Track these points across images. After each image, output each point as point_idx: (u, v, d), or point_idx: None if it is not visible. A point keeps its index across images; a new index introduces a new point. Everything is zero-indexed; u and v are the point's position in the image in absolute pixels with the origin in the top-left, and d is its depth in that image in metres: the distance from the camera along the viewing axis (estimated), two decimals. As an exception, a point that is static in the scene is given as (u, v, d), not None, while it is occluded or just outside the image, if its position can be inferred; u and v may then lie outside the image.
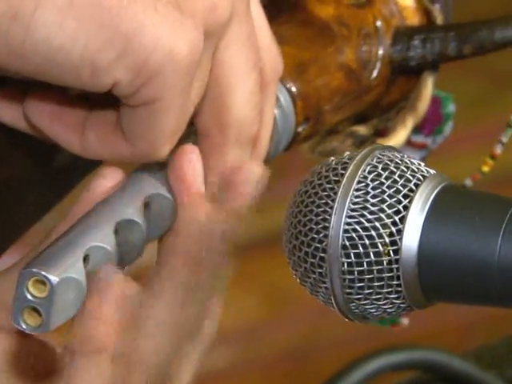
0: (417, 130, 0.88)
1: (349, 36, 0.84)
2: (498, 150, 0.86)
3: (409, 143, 0.88)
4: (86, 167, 0.82)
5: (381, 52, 0.85)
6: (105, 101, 0.72)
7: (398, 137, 0.86)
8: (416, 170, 0.72)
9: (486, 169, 0.87)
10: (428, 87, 0.86)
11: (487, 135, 0.86)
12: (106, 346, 0.73)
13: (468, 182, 0.87)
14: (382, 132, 0.87)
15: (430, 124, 0.89)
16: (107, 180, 0.74)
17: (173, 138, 0.71)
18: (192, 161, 0.73)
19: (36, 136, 0.76)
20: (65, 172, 0.83)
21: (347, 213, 0.71)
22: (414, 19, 0.87)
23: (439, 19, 0.86)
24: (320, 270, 0.72)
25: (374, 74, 0.85)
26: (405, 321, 0.83)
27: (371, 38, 0.85)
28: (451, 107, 0.89)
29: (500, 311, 0.78)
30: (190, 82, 0.70)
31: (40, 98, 0.73)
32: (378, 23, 0.85)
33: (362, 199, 0.71)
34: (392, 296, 0.72)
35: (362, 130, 0.87)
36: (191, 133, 0.74)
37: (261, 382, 3.07)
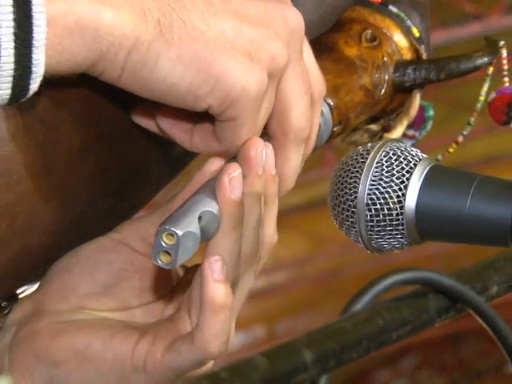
0: (409, 126, 0.98)
1: (366, 67, 0.93)
2: (460, 138, 0.96)
3: (404, 135, 0.98)
4: (190, 156, 0.89)
5: (387, 77, 0.94)
6: (205, 116, 0.79)
7: (397, 131, 0.97)
8: (414, 154, 0.85)
9: (451, 150, 0.96)
10: (417, 99, 0.96)
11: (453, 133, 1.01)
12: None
13: (439, 157, 0.94)
14: (387, 128, 0.97)
15: (417, 122, 0.99)
16: (213, 165, 0.81)
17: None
18: (257, 146, 0.79)
19: (162, 135, 0.82)
20: (179, 158, 0.89)
21: (369, 182, 0.85)
22: (408, 55, 0.96)
23: (424, 55, 0.96)
24: (352, 220, 0.85)
25: (382, 92, 0.95)
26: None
27: (380, 68, 0.94)
28: (431, 112, 0.99)
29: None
30: (258, 106, 0.77)
31: (166, 111, 0.80)
32: (385, 58, 0.94)
33: (379, 173, 0.85)
34: (398, 236, 0.85)
35: (374, 127, 0.97)
36: (265, 135, 0.81)
37: (307, 293, 3.37)
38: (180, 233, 0.76)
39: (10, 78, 0.69)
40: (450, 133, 1.09)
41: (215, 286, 0.78)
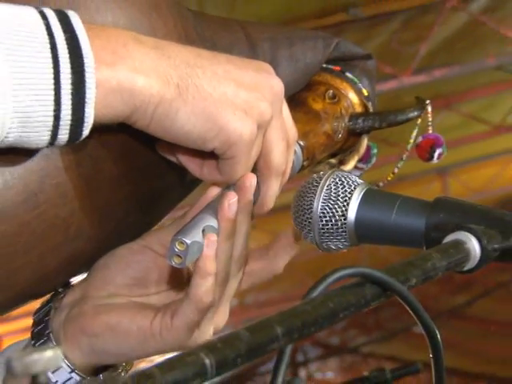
0: (359, 160, 0.97)
1: (328, 118, 0.92)
2: (396, 170, 0.96)
3: (355, 167, 0.97)
4: (198, 183, 0.88)
5: (343, 125, 0.93)
6: (212, 154, 0.77)
7: (350, 164, 0.96)
8: (354, 180, 0.85)
9: (389, 178, 0.96)
10: (365, 141, 0.96)
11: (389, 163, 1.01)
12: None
13: (381, 184, 0.95)
14: (343, 162, 0.97)
15: (365, 158, 0.98)
16: (213, 192, 0.80)
17: (244, 173, 0.78)
18: (251, 180, 0.78)
19: (180, 165, 0.81)
20: (190, 184, 0.88)
21: (321, 201, 0.84)
22: (359, 109, 0.95)
23: (371, 109, 0.95)
24: (309, 228, 0.85)
25: (340, 136, 0.94)
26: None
27: (339, 119, 0.93)
28: (375, 150, 0.98)
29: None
30: (250, 149, 0.76)
31: (183, 149, 0.78)
32: (342, 111, 0.93)
33: (328, 194, 0.84)
34: (342, 240, 0.85)
35: (333, 161, 0.96)
36: (254, 170, 0.80)
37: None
38: (189, 242, 0.75)
39: (68, 127, 0.68)
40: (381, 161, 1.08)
41: (206, 259, 0.77)
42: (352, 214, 0.84)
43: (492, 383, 10.21)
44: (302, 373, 10.40)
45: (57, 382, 0.81)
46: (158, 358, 0.63)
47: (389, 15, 4.72)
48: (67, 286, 0.85)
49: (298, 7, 4.36)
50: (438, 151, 0.93)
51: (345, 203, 0.84)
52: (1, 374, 0.82)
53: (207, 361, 0.53)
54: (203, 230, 0.77)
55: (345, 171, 0.87)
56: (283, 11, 4.37)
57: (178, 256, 0.76)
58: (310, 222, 0.84)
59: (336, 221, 0.84)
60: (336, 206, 0.84)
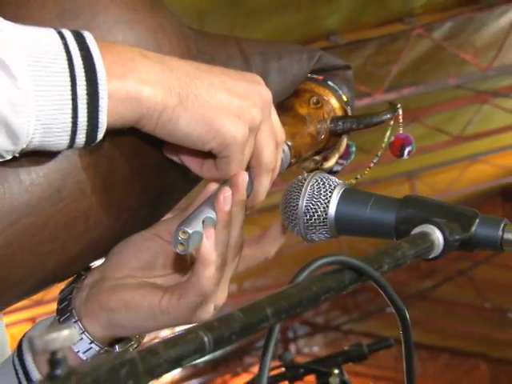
0: (339, 157, 0.95)
1: (312, 121, 0.91)
2: (371, 165, 0.93)
3: (336, 163, 0.95)
4: (199, 180, 0.86)
5: (325, 127, 0.92)
6: (210, 154, 0.76)
7: (332, 161, 0.94)
8: (333, 181, 0.84)
9: (366, 172, 0.93)
10: (344, 140, 0.94)
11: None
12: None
13: (358, 177, 0.92)
14: (326, 158, 0.94)
15: (344, 155, 0.95)
16: (211, 187, 0.79)
17: (238, 170, 0.77)
18: (244, 177, 0.77)
19: (183, 165, 0.80)
20: (192, 181, 0.86)
21: (306, 199, 0.83)
22: (339, 113, 0.93)
23: (350, 113, 0.94)
24: (295, 222, 0.83)
25: (323, 137, 0.92)
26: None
27: (322, 121, 0.91)
28: (354, 148, 0.96)
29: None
30: (243, 149, 0.75)
31: (185, 150, 0.77)
32: (325, 115, 0.92)
33: (312, 193, 0.83)
34: (324, 233, 0.83)
35: (317, 158, 0.94)
36: (248, 168, 0.79)
37: (263, 263, 3.34)
38: (190, 231, 0.74)
39: (85, 131, 0.68)
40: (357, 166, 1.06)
41: (207, 248, 0.76)
42: (332, 210, 0.83)
43: (454, 355, 10.23)
44: (292, 348, 10.40)
45: (78, 351, 0.80)
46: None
47: (364, 42, 4.73)
48: (88, 269, 0.85)
49: (285, 35, 4.36)
50: (407, 149, 0.91)
51: (326, 201, 0.83)
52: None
53: (205, 338, 0.52)
54: (203, 221, 0.76)
55: (325, 173, 0.86)
56: (273, 38, 4.37)
57: (182, 244, 0.74)
58: (296, 218, 0.83)
59: (318, 216, 0.83)
60: (318, 203, 0.83)
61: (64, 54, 0.67)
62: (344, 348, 2.41)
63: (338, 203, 0.83)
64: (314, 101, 0.92)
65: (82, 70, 0.67)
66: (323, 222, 0.83)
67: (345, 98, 0.94)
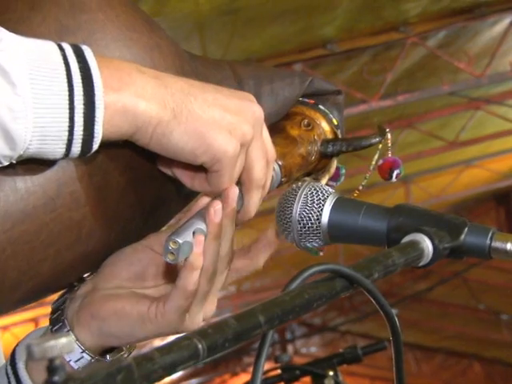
0: (329, 179, 0.95)
1: (303, 143, 0.91)
2: (360, 187, 0.92)
3: (326, 185, 0.89)
4: (195, 195, 0.85)
5: (316, 149, 0.92)
6: (202, 168, 0.76)
7: (322, 182, 0.93)
8: (327, 190, 0.84)
9: (355, 194, 0.91)
10: (334, 163, 0.94)
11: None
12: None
13: (355, 194, 0.91)
14: (316, 180, 0.94)
15: (334, 177, 0.95)
16: (203, 201, 0.80)
17: (228, 185, 0.77)
18: (234, 191, 0.77)
19: (175, 178, 0.79)
20: (187, 195, 0.86)
21: (299, 207, 0.83)
22: (330, 136, 0.94)
23: (340, 136, 0.94)
24: (289, 229, 0.83)
25: (313, 158, 0.92)
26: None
27: (312, 143, 0.91)
28: (343, 171, 0.96)
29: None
30: (234, 164, 0.75)
31: (178, 163, 0.77)
32: (315, 137, 0.92)
33: (305, 202, 0.83)
34: (317, 240, 0.83)
35: (308, 179, 0.93)
36: (239, 183, 0.78)
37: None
38: (181, 241, 0.74)
39: (80, 141, 0.68)
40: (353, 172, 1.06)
41: (195, 255, 0.76)
42: (325, 218, 0.82)
43: (448, 356, 10.21)
44: (290, 348, 10.39)
45: (70, 360, 0.80)
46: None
47: (360, 50, 4.73)
48: (82, 280, 0.85)
49: (283, 43, 4.36)
50: (395, 172, 0.91)
51: (319, 209, 0.82)
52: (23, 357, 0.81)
53: (200, 345, 0.52)
54: (194, 232, 0.76)
55: (318, 182, 0.86)
56: (272, 47, 4.37)
57: (172, 253, 0.74)
58: (290, 225, 0.83)
59: (312, 224, 0.82)
60: (312, 212, 0.82)
61: (63, 65, 0.67)
62: (339, 350, 2.40)
63: (331, 212, 0.82)
64: (305, 123, 0.92)
65: (80, 80, 0.67)
66: (316, 229, 0.82)
67: (335, 122, 0.94)
